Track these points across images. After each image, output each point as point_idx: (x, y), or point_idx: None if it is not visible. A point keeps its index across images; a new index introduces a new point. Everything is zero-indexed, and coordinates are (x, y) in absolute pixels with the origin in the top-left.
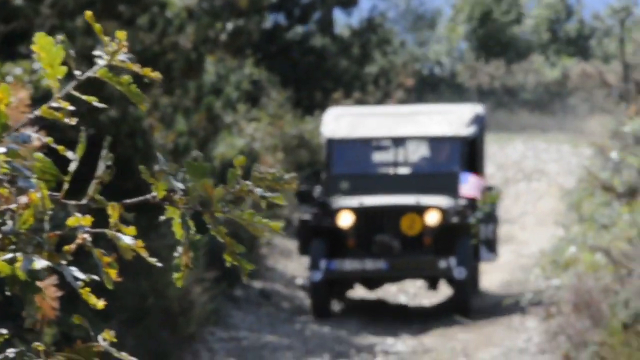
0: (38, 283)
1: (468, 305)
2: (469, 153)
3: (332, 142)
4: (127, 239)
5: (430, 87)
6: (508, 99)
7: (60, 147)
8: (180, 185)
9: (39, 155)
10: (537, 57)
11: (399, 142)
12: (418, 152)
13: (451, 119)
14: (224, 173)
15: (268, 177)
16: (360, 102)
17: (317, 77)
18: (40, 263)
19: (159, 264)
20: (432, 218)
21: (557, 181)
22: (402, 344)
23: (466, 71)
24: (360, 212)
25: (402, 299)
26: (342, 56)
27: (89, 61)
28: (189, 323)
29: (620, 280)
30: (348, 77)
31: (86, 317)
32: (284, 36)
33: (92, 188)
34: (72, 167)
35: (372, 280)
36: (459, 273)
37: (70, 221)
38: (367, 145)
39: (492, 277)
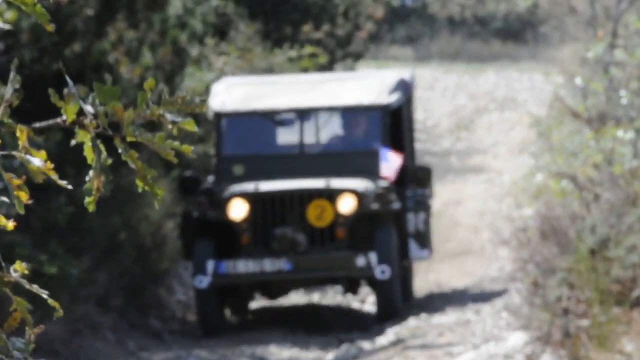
0: None
1: (394, 313)
2: (391, 126)
3: (221, 117)
4: (36, 161)
5: (401, 19)
6: (479, 29)
7: None
8: (90, 109)
9: None
10: None
11: (305, 115)
12: (329, 127)
13: (369, 85)
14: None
15: (178, 101)
16: (330, 34)
17: (286, 9)
18: None
19: (70, 187)
20: (346, 205)
21: (530, 110)
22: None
23: (437, 1)
24: (256, 200)
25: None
26: None
27: None
28: (162, 258)
29: (586, 206)
30: (316, 9)
31: (58, 253)
32: None
33: (1, 112)
34: None
35: (273, 286)
36: (382, 272)
37: None
38: (266, 119)
39: (466, 207)
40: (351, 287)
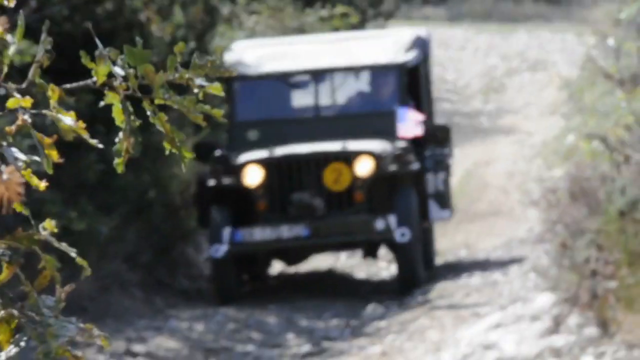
0: None
1: (416, 276)
2: (409, 85)
3: (234, 81)
4: (67, 119)
5: None
6: None
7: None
8: (120, 71)
9: None
10: None
11: (320, 76)
12: (345, 88)
13: (384, 44)
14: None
15: (208, 65)
16: None
17: None
18: None
19: (100, 146)
20: (364, 167)
21: (561, 71)
22: None
23: None
24: (271, 165)
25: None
26: None
27: None
28: (191, 217)
29: (617, 167)
30: None
31: (88, 210)
32: None
33: (32, 72)
34: (12, 50)
35: (291, 252)
36: (402, 235)
37: (10, 102)
38: (280, 82)
39: (496, 167)
40: (371, 251)
